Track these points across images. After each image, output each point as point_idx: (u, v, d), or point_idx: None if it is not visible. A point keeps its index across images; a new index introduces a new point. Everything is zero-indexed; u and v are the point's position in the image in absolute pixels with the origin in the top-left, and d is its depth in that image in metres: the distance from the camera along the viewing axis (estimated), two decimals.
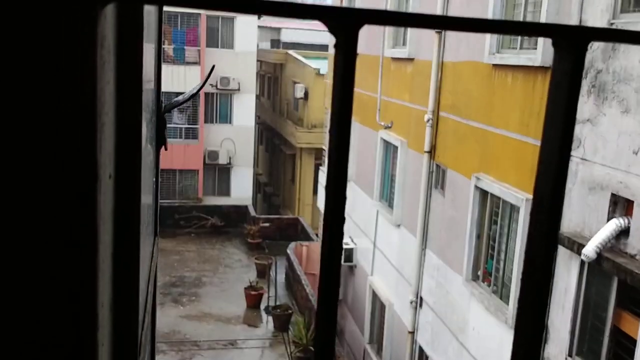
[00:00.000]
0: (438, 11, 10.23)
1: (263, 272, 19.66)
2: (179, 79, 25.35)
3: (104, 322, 0.69)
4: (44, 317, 0.52)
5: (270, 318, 17.28)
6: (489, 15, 8.61)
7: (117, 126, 0.71)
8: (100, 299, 0.61)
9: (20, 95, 0.45)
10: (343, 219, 0.54)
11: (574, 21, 6.84)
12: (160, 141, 1.57)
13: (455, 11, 9.97)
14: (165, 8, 23.41)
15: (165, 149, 1.66)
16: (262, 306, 18.14)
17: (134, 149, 0.73)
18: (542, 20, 7.38)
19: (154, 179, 1.61)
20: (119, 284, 0.80)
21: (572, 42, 0.58)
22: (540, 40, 7.46)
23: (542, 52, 7.40)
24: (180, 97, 2.90)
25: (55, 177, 0.48)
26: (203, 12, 25.79)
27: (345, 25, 0.53)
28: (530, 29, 0.59)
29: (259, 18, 27.68)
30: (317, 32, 34.01)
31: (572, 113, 0.60)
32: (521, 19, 8.21)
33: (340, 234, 0.53)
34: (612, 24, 6.31)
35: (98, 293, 0.56)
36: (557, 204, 0.61)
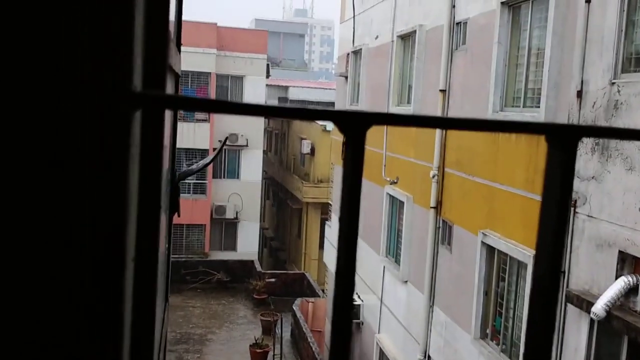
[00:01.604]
0: (442, 74, 10.44)
1: (268, 329, 19.40)
2: (189, 136, 25.73)
3: None
4: None
5: None
6: (492, 75, 8.79)
7: (139, 212, 0.76)
8: None
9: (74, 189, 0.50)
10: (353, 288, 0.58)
11: (575, 81, 6.97)
12: (173, 209, 1.63)
13: (458, 72, 10.18)
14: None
15: (179, 216, 1.71)
16: None
17: (153, 233, 0.77)
18: (545, 80, 7.53)
19: (167, 245, 1.66)
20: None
21: (563, 138, 0.63)
22: (543, 97, 7.59)
23: (545, 110, 7.52)
24: (194, 166, 2.98)
25: (84, 268, 0.52)
26: (213, 72, 26.37)
27: (355, 127, 0.58)
28: (524, 127, 0.64)
29: (267, 77, 28.26)
30: (322, 90, 34.62)
31: (565, 204, 0.64)
32: (523, 80, 8.37)
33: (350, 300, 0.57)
34: (613, 83, 6.43)
35: None
36: (553, 304, 0.64)
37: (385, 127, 13.16)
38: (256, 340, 18.10)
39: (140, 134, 0.72)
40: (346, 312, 0.57)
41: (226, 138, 4.83)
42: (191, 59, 25.70)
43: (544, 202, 0.65)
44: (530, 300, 0.67)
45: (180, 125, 25.60)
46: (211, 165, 26.81)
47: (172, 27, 1.72)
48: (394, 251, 13.07)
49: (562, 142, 0.64)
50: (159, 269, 1.35)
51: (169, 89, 1.37)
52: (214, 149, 26.74)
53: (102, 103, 0.46)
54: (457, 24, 10.24)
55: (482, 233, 9.00)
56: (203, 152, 26.28)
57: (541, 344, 0.64)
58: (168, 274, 1.74)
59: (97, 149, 0.48)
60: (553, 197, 0.65)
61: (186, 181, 26.63)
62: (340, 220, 0.60)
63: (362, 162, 0.59)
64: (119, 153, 0.48)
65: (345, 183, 0.59)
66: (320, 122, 26.48)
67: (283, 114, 0.57)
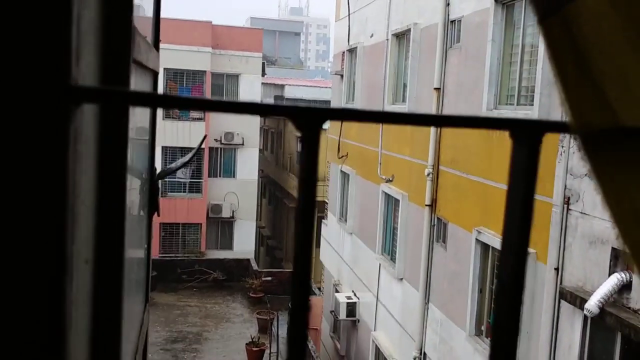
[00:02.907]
0: (436, 72, 10.44)
1: (265, 328, 19.40)
2: (184, 135, 25.68)
3: None
4: None
5: None
6: (486, 73, 8.79)
7: (98, 211, 0.74)
8: None
9: None
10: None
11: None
12: (152, 208, 1.61)
13: (453, 70, 10.17)
14: (171, 65, 23.64)
15: (158, 215, 1.69)
16: None
17: (116, 233, 0.76)
18: (538, 78, 7.52)
19: (146, 246, 1.64)
20: None
21: (527, 134, 0.62)
22: (537, 95, 7.58)
23: (538, 107, 7.52)
24: (173, 165, 2.96)
25: (23, 266, 0.50)
26: (208, 70, 26.32)
27: (309, 122, 0.56)
28: (489, 123, 0.63)
29: (263, 75, 28.22)
30: (318, 89, 34.61)
31: (530, 199, 0.63)
32: (517, 77, 8.37)
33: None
34: None
35: None
36: (519, 295, 0.63)
37: (380, 125, 13.17)
38: (252, 339, 18.10)
39: (98, 131, 0.70)
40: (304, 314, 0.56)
41: (205, 136, 4.82)
42: (186, 57, 25.66)
43: (508, 198, 0.64)
44: (497, 298, 0.65)
45: (176, 124, 25.65)
46: (207, 164, 26.79)
47: (148, 25, 1.70)
48: (389, 249, 13.07)
49: (526, 137, 0.62)
50: (135, 269, 1.34)
51: (141, 86, 1.36)
52: (210, 148, 26.72)
53: (35, 97, 0.44)
54: (452, 22, 10.23)
55: (477, 230, 9.00)
56: (198, 151, 26.22)
57: (506, 341, 0.62)
58: (148, 275, 1.73)
59: (29, 145, 0.47)
60: (518, 192, 0.63)
61: (182, 180, 26.60)
62: (295, 220, 0.58)
63: (317, 157, 0.57)
64: (55, 149, 0.46)
65: (302, 177, 0.58)
66: None
67: (234, 110, 0.55)
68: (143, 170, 1.51)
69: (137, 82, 1.23)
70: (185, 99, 0.52)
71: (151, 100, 0.50)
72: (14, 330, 0.49)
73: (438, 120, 0.56)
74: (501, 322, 0.63)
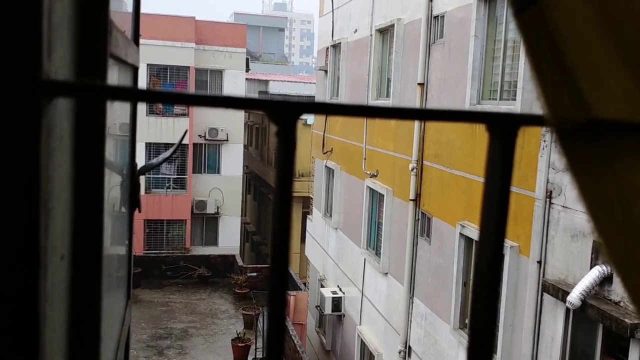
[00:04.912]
0: (420, 67, 10.47)
1: (250, 323, 19.38)
2: (168, 131, 25.54)
3: None
4: None
5: None
6: (469, 68, 8.83)
7: (74, 206, 0.74)
8: None
9: None
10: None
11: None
12: (133, 204, 1.59)
13: (436, 65, 10.21)
14: (155, 61, 23.50)
15: (139, 211, 1.69)
16: (250, 358, 17.81)
17: (93, 229, 0.75)
18: (521, 73, 7.58)
19: (127, 242, 1.63)
20: None
21: (503, 127, 0.62)
22: (519, 90, 7.63)
23: (521, 102, 7.57)
24: (154, 160, 2.94)
25: None
26: (192, 66, 26.18)
27: (285, 116, 0.56)
28: (465, 116, 0.63)
29: (247, 71, 28.11)
30: (303, 84, 34.55)
31: (506, 191, 0.63)
32: (500, 72, 8.41)
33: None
34: None
35: None
36: (496, 281, 0.63)
37: (365, 121, 13.19)
38: (238, 335, 18.08)
39: (74, 126, 0.69)
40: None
41: (185, 131, 4.80)
42: (169, 53, 25.49)
43: (485, 191, 0.64)
44: (474, 287, 0.66)
45: (159, 120, 25.50)
46: (191, 160, 26.67)
47: (127, 20, 1.68)
48: (374, 244, 13.11)
49: (503, 130, 0.63)
50: (116, 265, 1.32)
51: (120, 81, 1.35)
52: (194, 144, 26.59)
53: (4, 91, 0.43)
54: (435, 17, 10.25)
55: (460, 224, 9.06)
56: (182, 147, 26.09)
57: (483, 331, 0.63)
58: (130, 271, 1.72)
59: None
60: (494, 186, 0.64)
61: (166, 176, 26.45)
62: (273, 214, 0.58)
63: (294, 151, 0.57)
64: (26, 144, 0.46)
65: (278, 171, 0.57)
66: (301, 117, 26.46)
67: (210, 103, 0.55)
68: (124, 166, 1.50)
69: (116, 78, 1.22)
70: (160, 92, 0.52)
71: (123, 94, 0.50)
72: None
73: (416, 114, 0.56)
74: (478, 311, 0.63)
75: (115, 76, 1.16)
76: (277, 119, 0.56)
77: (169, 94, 0.50)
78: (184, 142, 25.56)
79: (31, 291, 0.49)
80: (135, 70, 1.67)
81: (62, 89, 0.47)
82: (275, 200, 0.58)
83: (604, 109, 0.52)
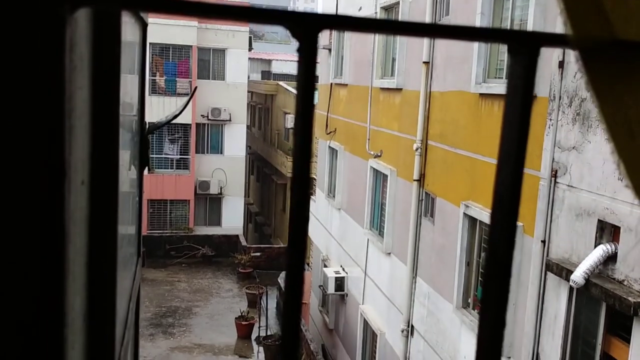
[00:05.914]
0: (425, 46, 10.38)
1: (254, 302, 19.51)
2: (171, 110, 25.43)
3: (74, 326, 0.70)
4: (5, 318, 0.53)
5: (262, 348, 17.09)
6: (475, 47, 8.76)
7: (92, 133, 0.73)
8: (70, 301, 0.62)
9: None
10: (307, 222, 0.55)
11: (557, 52, 6.97)
12: (143, 162, 1.59)
13: (441, 43, 10.13)
14: (157, 40, 23.30)
15: (149, 170, 1.68)
16: (253, 336, 17.95)
17: (110, 155, 0.74)
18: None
19: (138, 199, 1.63)
20: (93, 291, 0.81)
21: (524, 46, 0.61)
22: None
23: None
24: (163, 118, 2.93)
25: (21, 177, 0.49)
26: (194, 45, 26.05)
27: (307, 29, 0.55)
28: (484, 34, 0.62)
29: (249, 50, 27.97)
30: None
31: (527, 114, 0.62)
32: (505, 51, 8.34)
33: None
34: None
35: (67, 296, 0.57)
36: (515, 204, 0.63)
37: (369, 100, 13.14)
38: (242, 313, 18.21)
39: (88, 43, 0.68)
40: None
41: (195, 88, 4.80)
42: (172, 32, 25.35)
43: (505, 114, 0.63)
44: (486, 265, 0.64)
45: (163, 100, 25.43)
46: (194, 140, 26.64)
47: None
48: (377, 224, 13.13)
49: (524, 48, 0.62)
50: (126, 216, 1.32)
51: (133, 35, 1.34)
52: (197, 124, 26.55)
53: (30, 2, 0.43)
54: None
55: (464, 204, 9.06)
56: (185, 127, 26.07)
57: (494, 314, 0.61)
58: (139, 228, 1.72)
59: (25, 50, 0.45)
60: (515, 109, 0.63)
61: (168, 156, 26.45)
62: (294, 135, 0.57)
63: (314, 67, 0.56)
64: (52, 54, 0.45)
65: (299, 88, 0.57)
66: None
67: (223, 15, 0.54)
68: (134, 123, 1.49)
69: (127, 33, 1.21)
70: (177, 2, 0.51)
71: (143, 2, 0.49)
72: (11, 271, 0.48)
73: (435, 30, 0.55)
74: (491, 278, 0.62)
75: (126, 31, 1.15)
76: (299, 33, 0.55)
77: (191, 3, 0.49)
78: (185, 121, 25.53)
79: (56, 206, 0.49)
80: (144, 26, 1.66)
81: None
82: (296, 117, 0.57)
83: (626, 28, 0.51)
